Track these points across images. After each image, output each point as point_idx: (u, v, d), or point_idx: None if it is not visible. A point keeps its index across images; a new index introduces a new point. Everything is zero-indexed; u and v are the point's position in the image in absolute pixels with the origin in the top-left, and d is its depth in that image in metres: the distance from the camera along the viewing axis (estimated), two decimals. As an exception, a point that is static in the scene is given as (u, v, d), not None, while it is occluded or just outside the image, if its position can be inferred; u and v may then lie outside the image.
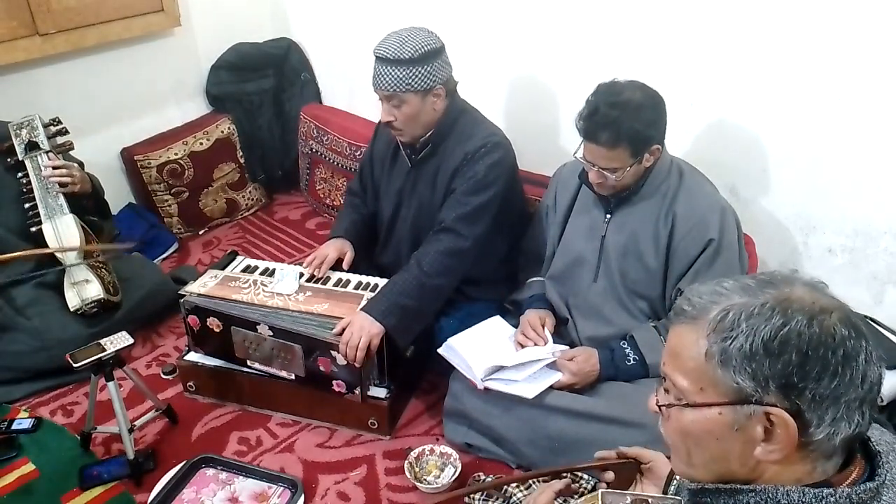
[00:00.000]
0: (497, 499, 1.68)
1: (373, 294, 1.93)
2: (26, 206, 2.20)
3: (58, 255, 2.17)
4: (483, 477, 1.78)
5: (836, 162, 1.83)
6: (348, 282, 2.06)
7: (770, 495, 0.77)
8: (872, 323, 1.81)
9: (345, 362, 1.83)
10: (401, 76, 1.81)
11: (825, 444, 0.76)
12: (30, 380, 2.15)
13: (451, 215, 1.91)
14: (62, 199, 2.21)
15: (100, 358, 1.76)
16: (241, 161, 3.16)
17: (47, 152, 2.23)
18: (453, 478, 1.78)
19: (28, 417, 2.04)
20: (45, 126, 2.26)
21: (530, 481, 1.68)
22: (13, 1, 2.39)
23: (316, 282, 2.05)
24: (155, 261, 2.77)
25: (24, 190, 2.21)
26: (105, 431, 1.95)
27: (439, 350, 1.91)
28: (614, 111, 1.61)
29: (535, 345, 1.85)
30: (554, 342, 1.87)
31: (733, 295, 0.80)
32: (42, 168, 2.20)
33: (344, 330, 1.82)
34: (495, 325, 1.98)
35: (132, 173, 2.93)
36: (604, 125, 1.62)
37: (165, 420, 2.02)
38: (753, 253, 1.95)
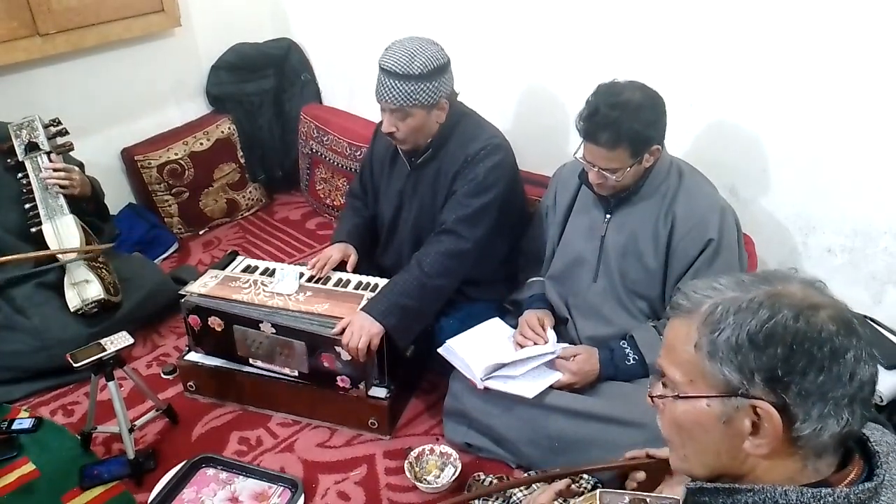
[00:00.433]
0: (497, 499, 1.68)
1: (373, 294, 1.93)
2: (26, 206, 2.21)
3: (58, 256, 2.17)
4: (483, 477, 1.78)
5: (836, 162, 1.84)
6: (348, 282, 2.06)
7: (768, 495, 0.78)
8: (872, 323, 1.81)
9: (349, 358, 1.83)
10: (409, 91, 1.80)
11: (814, 441, 0.77)
12: (30, 380, 2.16)
13: (452, 217, 1.91)
14: (62, 200, 2.21)
15: (100, 358, 1.76)
16: (242, 161, 3.16)
17: (48, 153, 2.23)
18: (453, 478, 1.78)
19: (28, 417, 2.04)
20: (46, 127, 2.27)
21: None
22: (13, 1, 2.40)
23: (316, 282, 2.05)
24: (155, 261, 2.77)
25: (25, 191, 2.21)
26: (105, 431, 1.95)
27: (439, 350, 1.91)
28: (614, 112, 1.61)
29: (535, 344, 1.85)
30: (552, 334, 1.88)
31: (726, 290, 0.81)
32: (42, 170, 2.20)
33: (344, 330, 1.82)
34: (494, 327, 1.98)
35: (132, 173, 2.93)
36: (604, 126, 1.62)
37: (166, 420, 2.02)
38: (753, 253, 1.96)
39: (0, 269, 2.17)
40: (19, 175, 2.23)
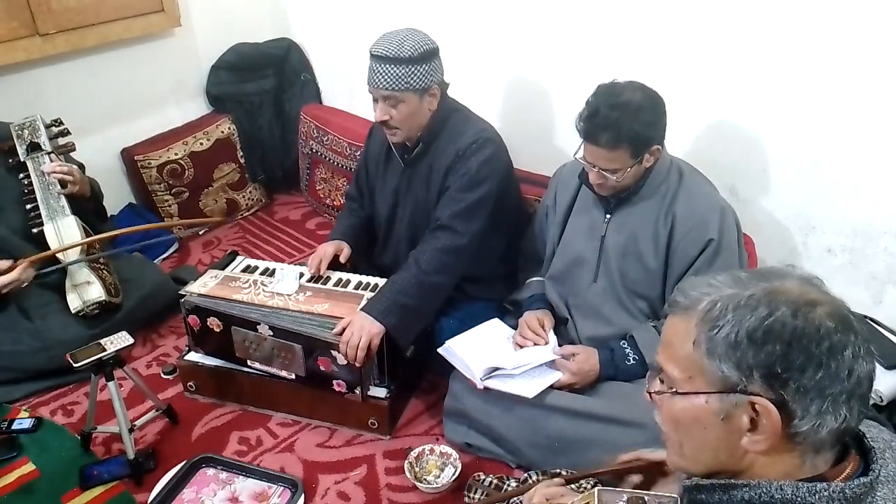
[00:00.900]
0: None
1: (373, 294, 1.93)
2: (28, 206, 2.21)
3: (60, 258, 2.17)
4: (483, 477, 1.78)
5: (835, 162, 1.83)
6: (348, 282, 2.06)
7: (764, 490, 0.78)
8: (872, 323, 1.81)
9: (345, 362, 1.83)
10: (400, 74, 1.81)
11: (812, 437, 0.77)
12: (30, 380, 2.16)
13: (447, 213, 1.91)
14: (63, 201, 2.21)
15: (100, 358, 1.76)
16: (242, 161, 3.16)
17: (49, 153, 2.23)
18: (453, 478, 1.78)
19: (28, 417, 2.04)
20: (47, 127, 2.27)
21: (530, 482, 1.68)
22: (13, 1, 2.40)
23: (316, 282, 2.06)
24: (155, 261, 2.77)
25: (26, 191, 2.22)
26: (105, 431, 1.95)
27: (439, 350, 1.91)
28: (615, 112, 1.61)
29: (535, 345, 1.85)
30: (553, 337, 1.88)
31: (724, 287, 0.82)
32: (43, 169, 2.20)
33: (344, 330, 1.82)
34: (494, 328, 1.98)
35: (132, 173, 2.94)
36: (604, 127, 1.62)
37: (166, 420, 2.02)
38: (753, 253, 1.96)
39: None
40: (21, 175, 2.23)
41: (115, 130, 2.89)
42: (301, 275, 2.07)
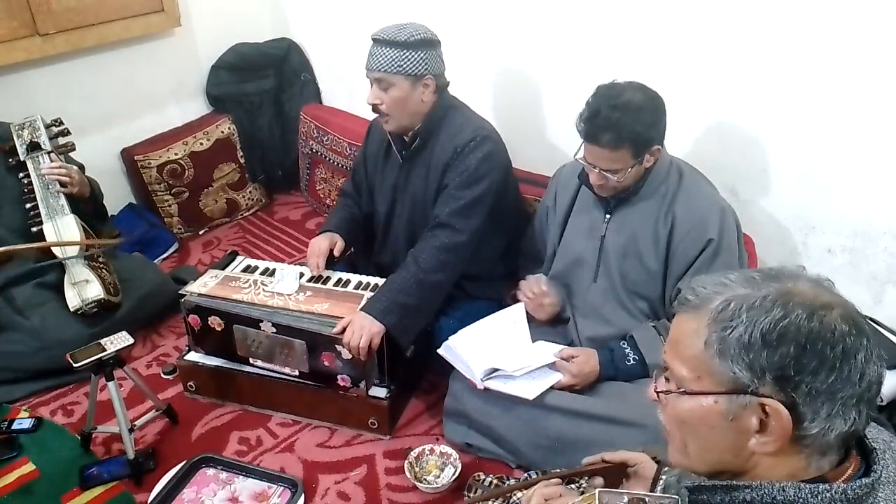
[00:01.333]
0: (497, 499, 1.68)
1: (373, 294, 1.93)
2: (27, 206, 2.21)
3: (57, 253, 2.17)
4: (483, 477, 1.78)
5: (835, 162, 1.83)
6: (348, 281, 2.06)
7: (766, 491, 0.78)
8: (872, 323, 1.81)
9: (350, 356, 1.83)
10: (394, 57, 1.83)
11: (820, 440, 0.77)
12: (30, 380, 2.16)
13: (446, 210, 1.91)
14: (63, 200, 2.21)
15: (100, 358, 1.76)
16: (242, 161, 3.16)
17: (49, 153, 2.23)
18: (453, 478, 1.78)
19: (28, 417, 2.04)
20: (47, 127, 2.27)
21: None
22: (13, 1, 2.40)
23: (316, 281, 2.06)
24: (155, 261, 2.77)
25: (26, 190, 2.22)
26: (105, 431, 1.96)
27: (439, 350, 1.91)
28: (615, 113, 1.61)
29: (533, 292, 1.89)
30: (553, 343, 1.87)
31: (737, 286, 0.81)
32: (43, 169, 2.20)
33: (344, 329, 1.82)
34: (495, 322, 1.97)
35: (132, 173, 2.94)
36: (605, 127, 1.62)
37: (166, 420, 2.02)
38: (753, 253, 1.96)
39: (1, 268, 2.17)
40: (21, 175, 2.23)
41: (115, 130, 2.89)
42: (301, 275, 2.07)
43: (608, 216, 1.82)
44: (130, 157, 2.89)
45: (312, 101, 3.23)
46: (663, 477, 1.08)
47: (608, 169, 1.68)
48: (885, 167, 1.75)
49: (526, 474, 1.76)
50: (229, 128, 3.10)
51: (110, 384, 1.79)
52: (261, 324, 1.90)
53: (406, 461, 1.83)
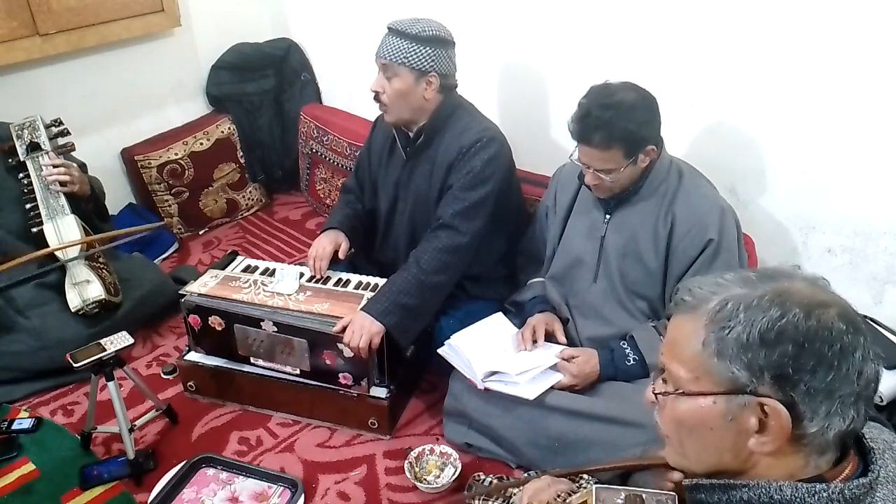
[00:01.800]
0: (497, 499, 1.68)
1: (373, 294, 1.93)
2: (27, 206, 2.21)
3: (58, 255, 2.17)
4: (483, 477, 1.78)
5: (835, 162, 1.83)
6: (348, 282, 2.06)
7: (763, 490, 0.78)
8: (872, 323, 1.81)
9: (351, 354, 1.84)
10: (400, 47, 1.84)
11: (818, 439, 0.77)
12: (30, 380, 2.16)
13: (449, 212, 1.91)
14: (63, 200, 2.21)
15: (100, 358, 1.76)
16: (241, 161, 3.16)
17: (48, 153, 2.23)
18: (453, 478, 1.78)
19: (28, 417, 2.04)
20: (47, 127, 2.27)
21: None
22: (13, 1, 2.40)
23: (316, 281, 2.06)
24: (155, 261, 2.77)
25: (26, 191, 2.22)
26: (105, 431, 1.96)
27: (440, 350, 1.91)
28: (607, 112, 1.62)
29: (535, 342, 1.85)
30: (553, 343, 1.87)
31: (733, 287, 0.81)
32: (43, 169, 2.20)
33: (344, 329, 1.82)
34: (497, 323, 1.98)
35: (132, 173, 2.94)
36: (596, 127, 1.63)
37: (165, 420, 2.02)
38: (753, 253, 1.96)
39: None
40: (20, 175, 2.23)
41: (115, 130, 2.89)
42: (301, 274, 2.07)
43: (608, 216, 1.82)
44: (130, 157, 2.89)
45: (312, 101, 3.23)
46: None
47: (602, 169, 1.68)
48: (886, 167, 1.75)
49: (525, 474, 1.76)
50: (229, 128, 3.10)
51: (110, 384, 1.79)
52: (262, 323, 1.90)
53: (406, 461, 1.83)
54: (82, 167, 2.36)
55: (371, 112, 2.02)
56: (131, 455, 1.81)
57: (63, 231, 2.18)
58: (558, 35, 2.24)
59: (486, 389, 1.80)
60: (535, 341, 1.86)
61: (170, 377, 2.21)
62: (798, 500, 0.76)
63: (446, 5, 2.44)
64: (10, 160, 2.23)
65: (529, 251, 2.09)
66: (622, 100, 1.63)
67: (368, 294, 1.96)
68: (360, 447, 1.96)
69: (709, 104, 2.00)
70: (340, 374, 1.91)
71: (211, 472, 1.86)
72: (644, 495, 0.86)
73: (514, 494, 1.64)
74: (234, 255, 2.23)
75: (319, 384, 1.96)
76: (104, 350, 1.77)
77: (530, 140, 2.39)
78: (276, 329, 1.90)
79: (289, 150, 3.27)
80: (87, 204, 2.33)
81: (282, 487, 1.81)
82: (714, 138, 2.02)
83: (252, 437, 2.00)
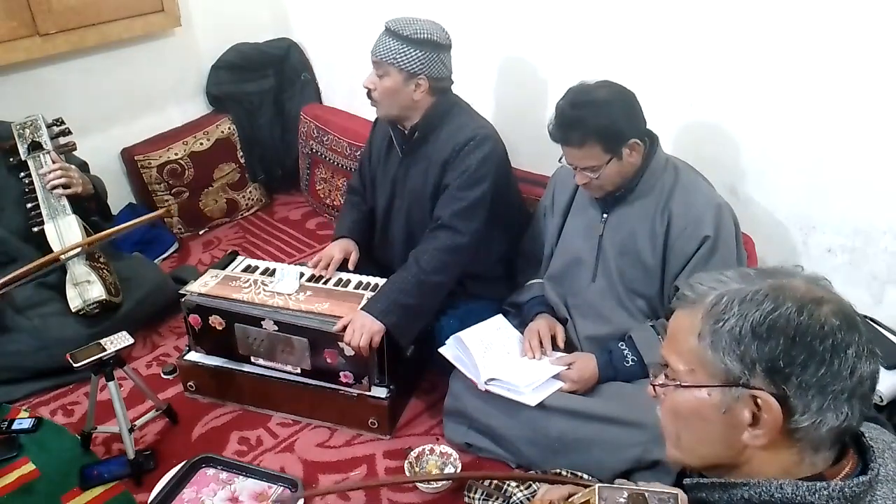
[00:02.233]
0: (497, 499, 1.68)
1: (373, 294, 1.93)
2: (28, 206, 2.21)
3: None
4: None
5: (835, 162, 1.83)
6: (349, 281, 2.06)
7: (764, 489, 0.79)
8: (872, 323, 1.81)
9: (352, 353, 1.84)
10: (392, 47, 1.85)
11: (811, 434, 0.77)
12: (30, 380, 2.16)
13: (448, 212, 1.92)
14: (64, 200, 2.21)
15: (100, 358, 1.76)
16: (242, 161, 3.16)
17: (50, 152, 2.23)
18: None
19: (28, 417, 2.04)
20: (49, 126, 2.27)
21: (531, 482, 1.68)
22: (13, 1, 2.40)
23: (316, 281, 2.06)
24: (155, 261, 2.77)
25: (27, 190, 2.21)
26: (105, 431, 1.96)
27: (441, 349, 1.91)
28: (578, 110, 1.64)
29: (543, 350, 1.84)
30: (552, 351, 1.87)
31: (732, 282, 0.83)
32: (43, 169, 2.20)
33: (345, 328, 1.82)
34: (499, 325, 1.97)
35: (132, 173, 2.94)
36: (570, 125, 1.65)
37: (166, 420, 2.02)
38: (753, 252, 1.96)
39: (3, 272, 2.16)
40: (21, 175, 2.23)
41: (115, 130, 2.89)
42: (301, 274, 2.07)
43: (605, 215, 1.82)
44: (130, 157, 2.89)
45: (312, 101, 3.23)
46: None
47: (585, 167, 1.70)
48: (886, 167, 1.75)
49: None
50: (229, 128, 3.10)
51: (110, 384, 1.79)
52: (262, 321, 1.90)
53: (406, 461, 1.83)
54: (83, 166, 2.36)
55: (371, 112, 2.03)
56: (131, 455, 1.81)
57: (64, 231, 2.17)
58: (558, 35, 2.24)
59: (487, 391, 1.79)
60: (542, 347, 1.86)
61: (170, 377, 2.21)
62: (798, 498, 0.77)
63: (446, 5, 2.44)
64: (11, 159, 2.23)
65: (528, 252, 2.09)
66: (595, 97, 1.65)
67: (369, 294, 1.96)
68: (360, 447, 1.96)
69: (709, 104, 2.00)
70: (341, 373, 1.91)
71: (211, 471, 1.86)
72: (647, 494, 0.86)
73: (512, 488, 1.65)
74: (234, 254, 2.23)
75: (320, 384, 1.96)
76: (104, 350, 1.77)
77: (529, 140, 2.39)
78: (276, 328, 1.90)
79: (289, 150, 3.27)
80: (89, 203, 2.32)
81: (282, 487, 1.81)
82: (714, 138, 2.02)
83: (252, 437, 2.00)
